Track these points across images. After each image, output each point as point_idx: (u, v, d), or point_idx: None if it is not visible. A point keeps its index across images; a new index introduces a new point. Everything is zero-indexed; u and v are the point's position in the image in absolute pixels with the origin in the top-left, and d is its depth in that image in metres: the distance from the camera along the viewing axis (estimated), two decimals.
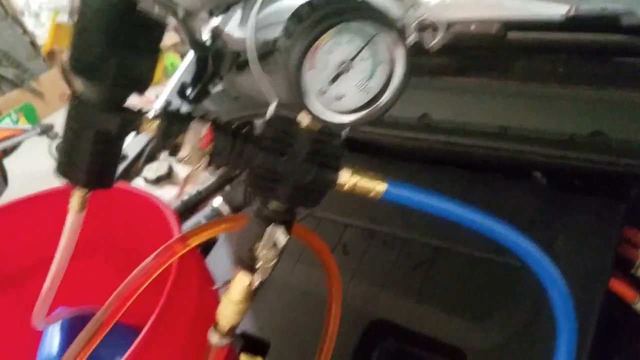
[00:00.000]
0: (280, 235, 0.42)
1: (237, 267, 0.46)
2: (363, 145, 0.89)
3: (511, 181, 0.82)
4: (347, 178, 0.43)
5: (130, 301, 0.47)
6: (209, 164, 0.39)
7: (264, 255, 0.43)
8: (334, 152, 0.41)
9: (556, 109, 0.77)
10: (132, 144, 1.18)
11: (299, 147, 0.40)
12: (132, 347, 0.43)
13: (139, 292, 0.48)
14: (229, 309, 0.47)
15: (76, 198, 0.47)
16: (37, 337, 0.64)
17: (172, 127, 0.40)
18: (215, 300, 0.57)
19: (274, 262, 0.43)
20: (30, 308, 0.55)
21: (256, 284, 0.44)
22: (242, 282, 0.46)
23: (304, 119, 0.40)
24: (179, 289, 0.48)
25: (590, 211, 0.74)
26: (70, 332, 0.55)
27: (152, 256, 0.49)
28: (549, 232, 0.73)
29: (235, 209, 0.94)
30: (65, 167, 0.45)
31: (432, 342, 0.72)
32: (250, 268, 0.45)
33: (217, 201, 0.93)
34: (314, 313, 0.63)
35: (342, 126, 0.39)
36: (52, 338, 0.54)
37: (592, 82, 0.76)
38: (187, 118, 0.41)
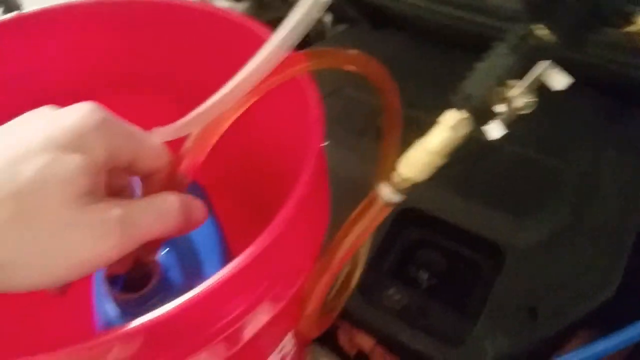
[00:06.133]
0: (558, 76, 0.31)
1: (461, 108, 0.34)
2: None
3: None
4: None
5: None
6: None
7: (518, 100, 0.32)
8: None
9: None
10: None
11: None
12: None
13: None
14: (422, 158, 0.35)
15: None
16: None
17: None
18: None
19: (525, 111, 0.33)
20: None
21: (494, 134, 0.33)
22: (458, 129, 0.34)
23: None
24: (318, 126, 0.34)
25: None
26: None
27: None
28: (599, 140, 0.72)
29: None
30: None
31: (469, 235, 0.68)
32: (479, 113, 0.34)
33: None
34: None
35: None
36: None
37: None
38: None
